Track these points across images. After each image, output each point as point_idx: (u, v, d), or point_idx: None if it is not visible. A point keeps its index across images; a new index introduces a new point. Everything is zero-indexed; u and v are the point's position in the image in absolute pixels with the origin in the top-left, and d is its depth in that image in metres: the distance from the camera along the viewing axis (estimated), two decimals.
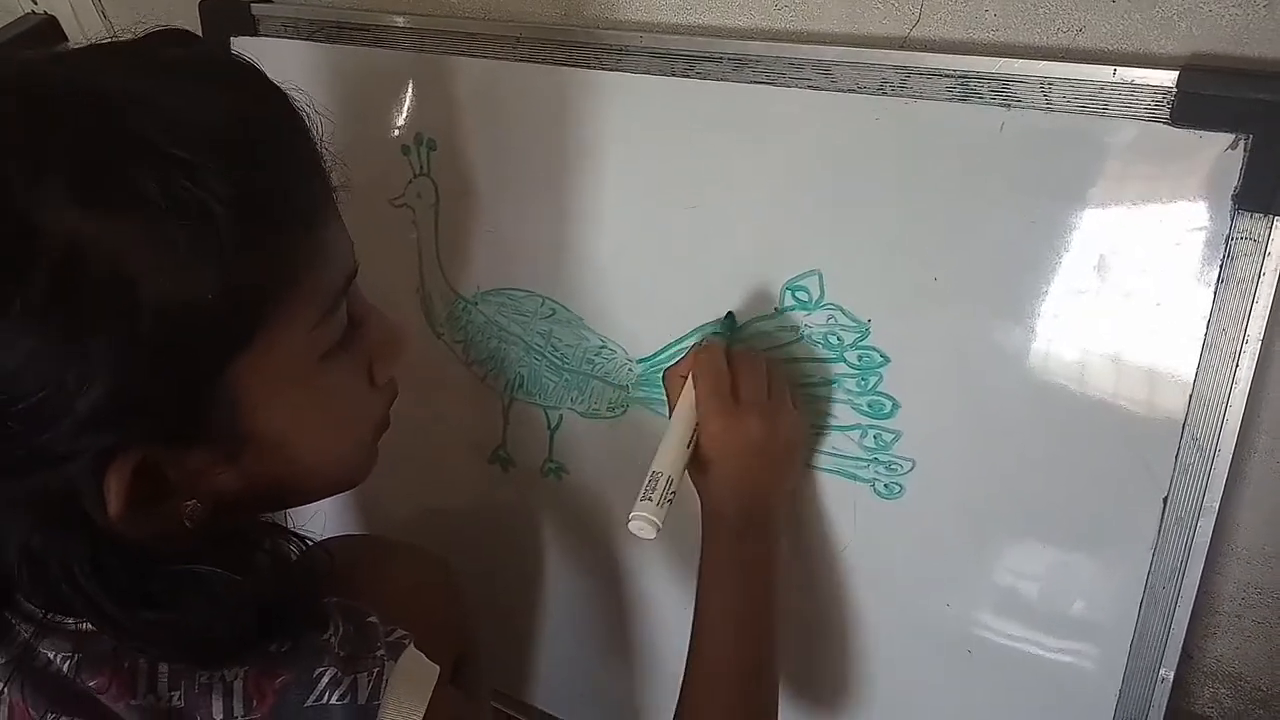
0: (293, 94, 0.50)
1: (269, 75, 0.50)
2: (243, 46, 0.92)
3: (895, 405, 0.68)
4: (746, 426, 0.64)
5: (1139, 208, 0.58)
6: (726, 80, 0.68)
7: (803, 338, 0.70)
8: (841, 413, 0.70)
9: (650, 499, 0.62)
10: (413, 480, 0.95)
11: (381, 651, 0.51)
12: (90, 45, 0.48)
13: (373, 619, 0.53)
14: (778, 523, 0.67)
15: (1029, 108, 0.59)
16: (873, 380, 0.68)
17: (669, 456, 0.64)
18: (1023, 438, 0.64)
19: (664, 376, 0.71)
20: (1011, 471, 0.65)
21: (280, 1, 0.91)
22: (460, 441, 0.90)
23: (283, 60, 0.89)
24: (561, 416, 0.84)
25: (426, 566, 0.75)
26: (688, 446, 0.65)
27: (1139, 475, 0.61)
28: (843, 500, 0.72)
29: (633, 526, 0.62)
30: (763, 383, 0.66)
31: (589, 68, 0.74)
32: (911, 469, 0.68)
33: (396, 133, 0.85)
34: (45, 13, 1.09)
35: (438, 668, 0.53)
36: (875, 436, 0.69)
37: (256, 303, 0.45)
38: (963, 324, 0.64)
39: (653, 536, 0.61)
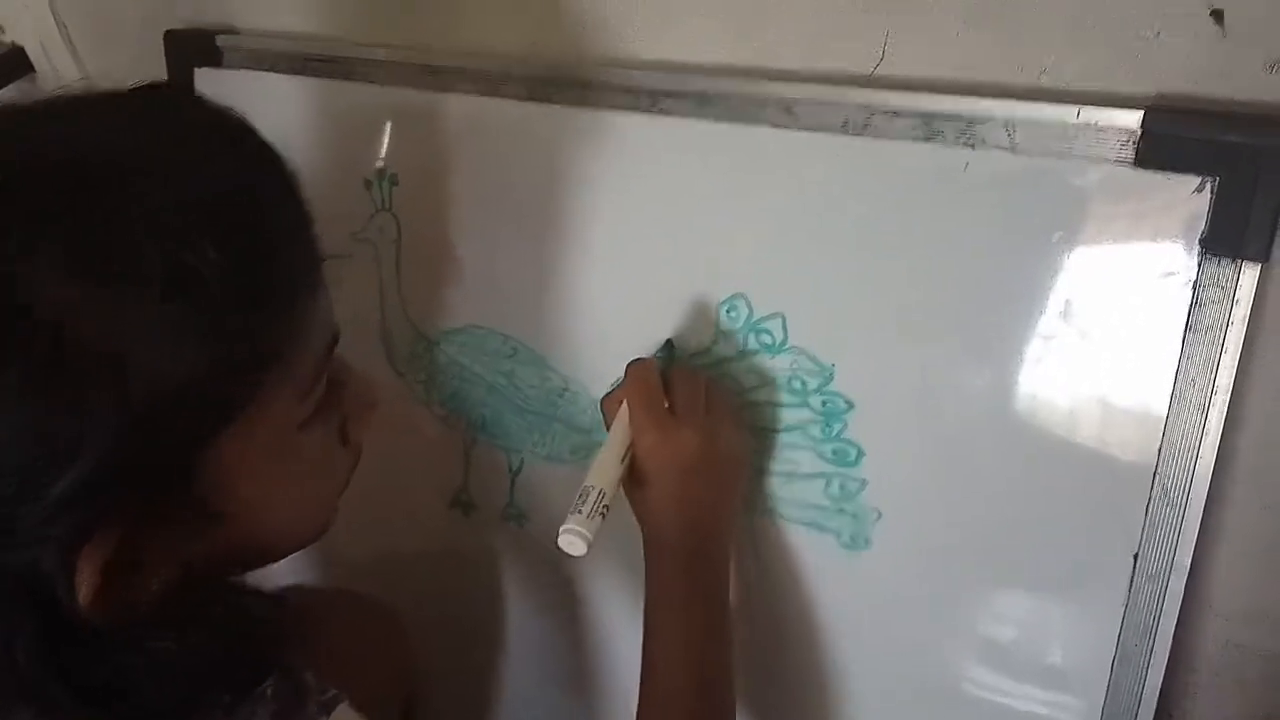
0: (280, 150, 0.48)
1: (257, 131, 0.48)
2: (206, 78, 0.91)
3: (860, 453, 0.66)
4: (681, 440, 0.61)
5: (1106, 251, 0.56)
6: (690, 117, 0.67)
7: (767, 381, 0.68)
8: (805, 460, 0.68)
9: (580, 511, 0.59)
10: (373, 523, 0.92)
11: (313, 709, 0.49)
12: (80, 98, 0.46)
13: (307, 675, 0.51)
14: (723, 544, 0.65)
15: (994, 148, 0.58)
16: (837, 427, 0.66)
17: (601, 470, 0.62)
18: (991, 488, 0.62)
19: (601, 403, 0.68)
20: (980, 523, 0.63)
21: (245, 33, 0.90)
22: (421, 484, 0.88)
23: (246, 92, 0.88)
24: (523, 460, 0.81)
25: (370, 613, 0.72)
26: (622, 461, 0.62)
27: (1109, 529, 0.59)
28: (808, 551, 0.70)
29: (562, 542, 0.59)
30: (699, 397, 0.63)
31: (552, 103, 0.73)
32: (878, 519, 0.66)
33: (358, 166, 0.83)
34: (12, 43, 1.08)
35: None
36: (840, 485, 0.67)
37: (247, 379, 0.43)
38: (928, 370, 0.62)
39: (583, 552, 0.58)
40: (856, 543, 0.67)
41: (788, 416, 0.68)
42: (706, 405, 0.64)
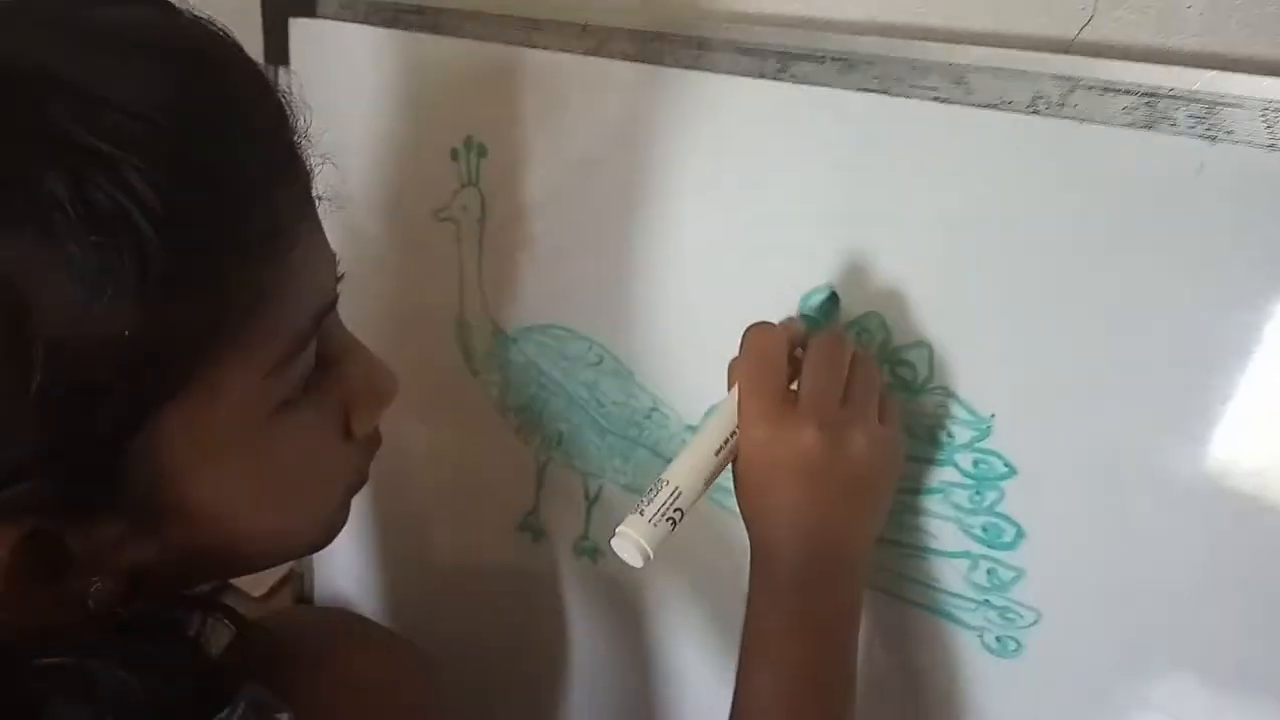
0: (281, 74, 0.39)
1: (239, 45, 0.40)
2: (300, 29, 0.82)
3: (1019, 534, 0.51)
4: (799, 441, 0.47)
5: None
6: (830, 86, 0.53)
7: (903, 428, 0.53)
8: (945, 533, 0.53)
9: (642, 512, 0.46)
10: (430, 533, 0.83)
11: None
12: None
13: (282, 716, 0.42)
14: (851, 569, 0.50)
15: (1242, 143, 0.42)
16: (991, 496, 0.51)
17: (685, 463, 0.48)
18: (1191, 602, 0.46)
19: (729, 368, 0.53)
20: (1171, 645, 0.48)
21: None
22: (488, 499, 0.77)
23: (337, 46, 0.80)
24: (601, 487, 0.69)
25: (396, 658, 0.62)
26: (717, 454, 0.48)
27: None
28: (939, 649, 0.55)
29: (614, 545, 0.47)
30: (836, 382, 0.48)
31: (664, 65, 0.60)
32: (1035, 622, 0.51)
33: (445, 133, 0.73)
34: None
35: None
36: (989, 572, 0.52)
37: (191, 343, 0.36)
38: (1122, 435, 0.47)
39: (640, 564, 0.46)
40: (1004, 647, 0.53)
41: (927, 476, 0.53)
42: (846, 393, 0.49)
